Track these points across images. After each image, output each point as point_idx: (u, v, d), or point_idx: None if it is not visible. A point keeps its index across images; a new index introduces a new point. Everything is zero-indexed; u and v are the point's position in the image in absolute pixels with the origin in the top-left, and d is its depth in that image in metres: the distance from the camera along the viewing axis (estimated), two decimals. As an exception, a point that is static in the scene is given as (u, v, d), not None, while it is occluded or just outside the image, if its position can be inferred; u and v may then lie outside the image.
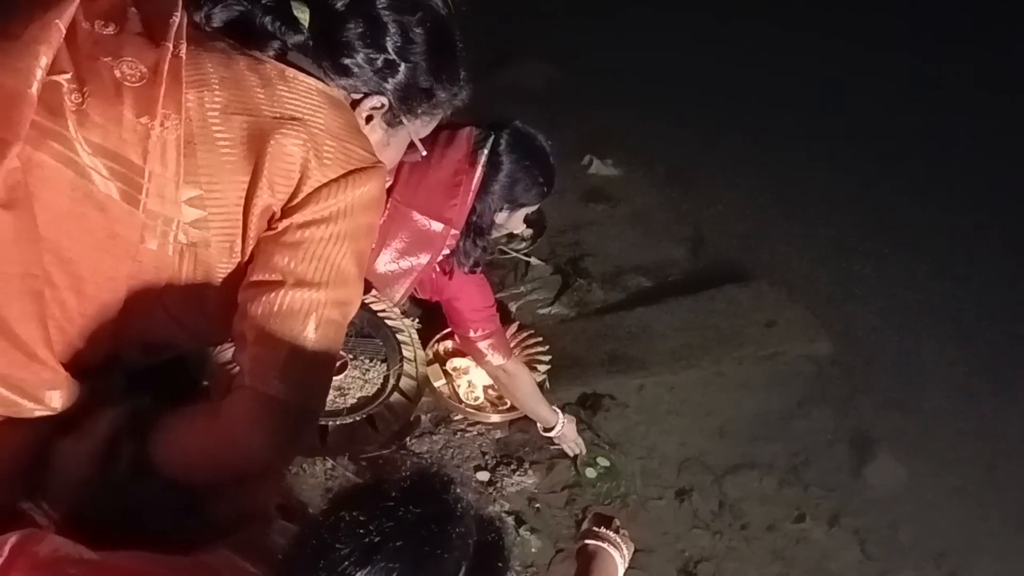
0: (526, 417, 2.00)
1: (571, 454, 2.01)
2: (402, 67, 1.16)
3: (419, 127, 1.24)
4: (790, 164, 2.98)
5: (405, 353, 1.93)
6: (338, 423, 1.76)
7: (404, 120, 1.20)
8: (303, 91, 1.08)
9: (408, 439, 1.95)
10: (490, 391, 2.05)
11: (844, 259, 2.66)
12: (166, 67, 1.01)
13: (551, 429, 1.97)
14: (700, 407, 2.20)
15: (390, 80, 1.16)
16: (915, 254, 2.70)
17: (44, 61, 0.96)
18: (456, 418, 2.03)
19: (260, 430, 1.06)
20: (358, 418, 1.79)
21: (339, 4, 1.12)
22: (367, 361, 1.89)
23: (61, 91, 0.97)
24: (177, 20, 1.05)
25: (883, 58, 3.47)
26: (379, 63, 1.14)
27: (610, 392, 2.16)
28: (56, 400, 1.01)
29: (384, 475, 0.83)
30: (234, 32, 1.08)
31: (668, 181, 2.89)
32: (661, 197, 2.84)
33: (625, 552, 1.40)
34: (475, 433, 2.01)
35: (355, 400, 1.83)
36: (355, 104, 1.17)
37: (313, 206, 1.06)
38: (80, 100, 0.98)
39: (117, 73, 1.00)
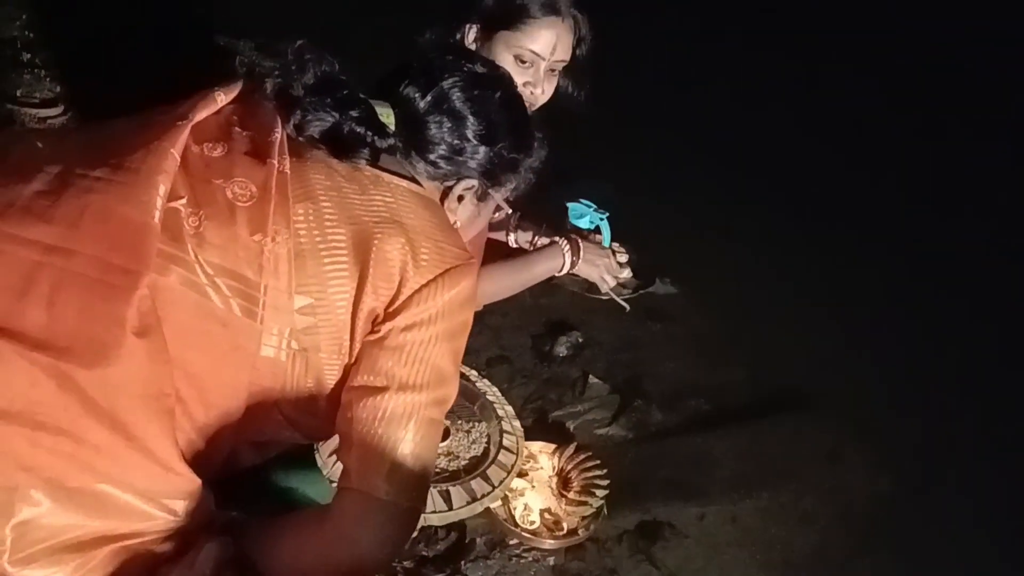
0: (582, 544, 1.96)
1: (609, 285, 2.06)
2: (484, 151, 1.26)
3: (505, 192, 1.36)
4: (860, 291, 2.97)
5: (499, 412, 2.07)
6: (458, 485, 1.85)
7: (492, 192, 1.31)
8: (398, 195, 1.17)
9: (463, 563, 1.91)
10: (546, 515, 2.01)
11: (912, 393, 2.59)
12: (273, 184, 1.09)
13: (563, 269, 1.99)
14: (761, 540, 2.13)
15: (476, 164, 1.26)
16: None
17: (163, 190, 1.04)
18: (511, 542, 1.99)
19: (368, 530, 1.11)
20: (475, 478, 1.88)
21: (421, 103, 1.24)
22: (466, 423, 2.01)
23: (180, 216, 1.05)
24: (278, 136, 1.14)
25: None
26: (466, 152, 1.25)
27: (669, 520, 2.11)
28: (183, 508, 1.05)
29: None
30: (328, 141, 1.17)
31: (728, 302, 2.88)
32: (721, 318, 2.83)
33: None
34: (530, 560, 1.96)
35: (467, 461, 1.95)
36: (447, 190, 1.28)
37: (413, 308, 1.13)
38: (197, 224, 1.05)
39: (229, 194, 1.08)
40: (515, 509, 2.01)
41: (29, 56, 3.11)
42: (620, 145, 3.37)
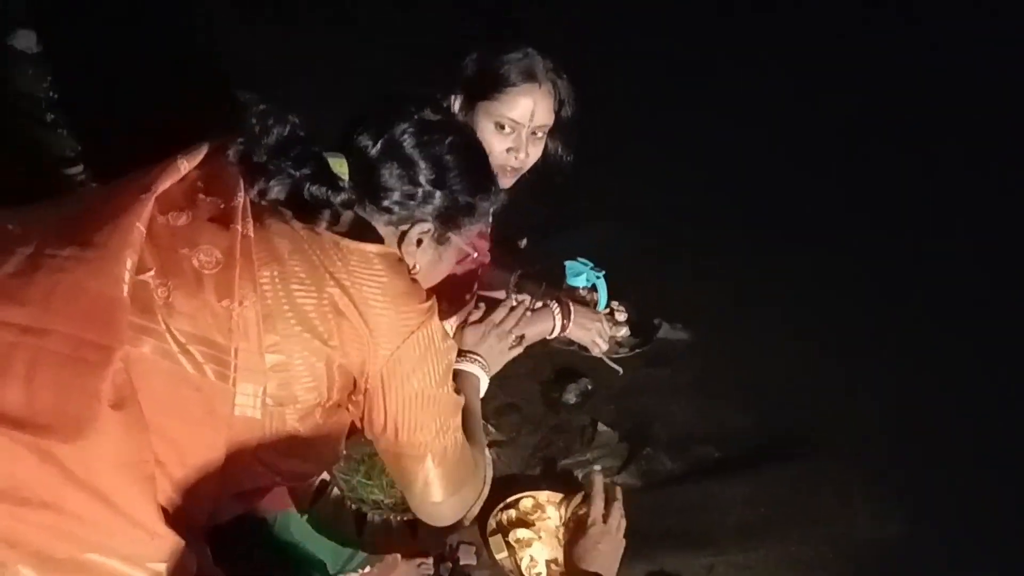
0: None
1: (600, 348, 2.06)
2: (438, 195, 1.32)
3: (465, 236, 1.42)
4: (868, 336, 2.94)
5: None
6: (377, 519, 1.83)
7: (452, 235, 1.37)
8: (356, 262, 1.21)
9: (468, 614, 1.92)
10: (553, 566, 2.02)
11: (921, 437, 2.57)
12: (238, 250, 1.14)
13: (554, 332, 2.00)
14: (772, 591, 2.13)
15: (431, 208, 1.32)
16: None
17: (131, 264, 1.09)
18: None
19: (443, 518, 1.45)
20: (400, 517, 1.88)
21: (372, 151, 1.30)
22: None
23: (149, 288, 1.09)
24: (241, 200, 1.19)
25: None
26: (418, 196, 1.31)
27: (678, 571, 2.11)
28: (167, 571, 1.08)
29: None
30: (290, 204, 1.24)
31: (736, 347, 2.88)
32: (729, 363, 2.82)
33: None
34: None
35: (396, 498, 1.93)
36: (403, 235, 1.34)
37: (394, 382, 1.23)
38: (166, 294, 1.10)
39: (195, 262, 1.13)
40: (521, 560, 2.03)
41: (52, 117, 3.22)
42: (621, 191, 3.40)
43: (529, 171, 1.98)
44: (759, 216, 3.36)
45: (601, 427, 2.48)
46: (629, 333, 2.28)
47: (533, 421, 2.51)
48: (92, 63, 3.37)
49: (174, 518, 1.10)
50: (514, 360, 2.67)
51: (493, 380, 2.58)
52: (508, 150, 1.85)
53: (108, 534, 1.02)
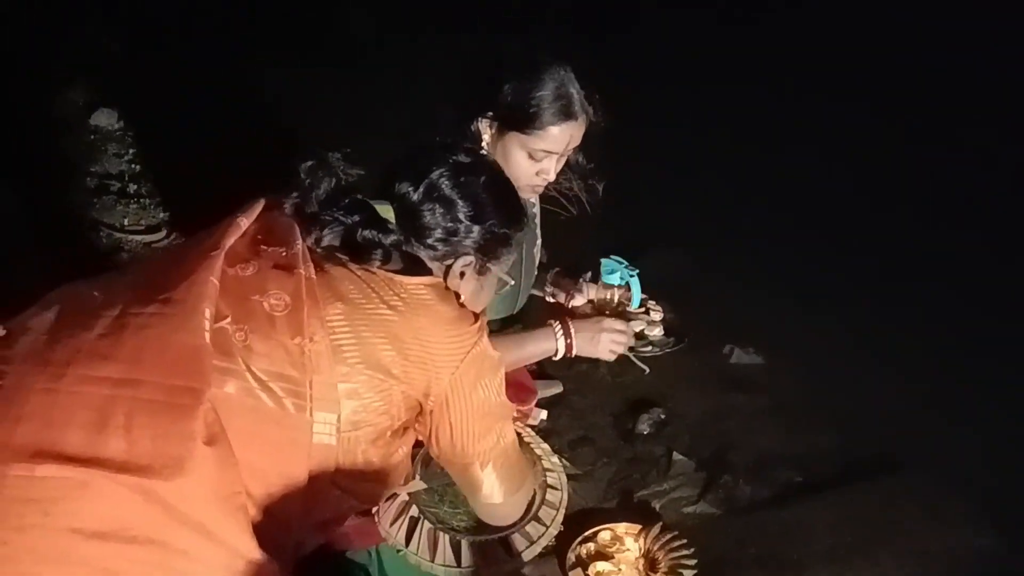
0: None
1: (611, 358, 2.01)
2: (476, 229, 1.43)
3: (503, 266, 1.53)
4: (946, 348, 2.87)
5: (535, 451, 2.02)
6: (473, 540, 1.76)
7: (491, 266, 1.48)
8: (409, 293, 1.32)
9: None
10: (634, 597, 2.01)
11: (1005, 447, 2.48)
12: (304, 291, 1.24)
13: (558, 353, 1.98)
14: (864, 614, 2.07)
15: (471, 242, 1.43)
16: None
17: (209, 313, 1.18)
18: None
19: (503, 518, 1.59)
20: (491, 537, 1.78)
21: (414, 196, 1.42)
22: None
23: (227, 334, 1.19)
24: (300, 247, 1.31)
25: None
26: (460, 232, 1.42)
27: (765, 598, 2.07)
28: None
29: None
30: (345, 248, 1.35)
31: (811, 369, 2.83)
32: (806, 386, 2.78)
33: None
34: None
35: None
36: (448, 269, 1.44)
37: (457, 399, 1.34)
38: (244, 338, 1.19)
39: (266, 306, 1.23)
40: (603, 593, 2.02)
41: (135, 187, 3.41)
42: (688, 216, 3.40)
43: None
44: (831, 236, 3.32)
45: (677, 456, 2.46)
46: (663, 333, 2.25)
47: (608, 453, 2.51)
48: (168, 136, 3.55)
49: (263, 546, 1.16)
50: (585, 393, 2.74)
51: (568, 414, 2.63)
52: (537, 173, 1.88)
53: (210, 566, 1.10)
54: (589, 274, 2.29)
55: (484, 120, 1.88)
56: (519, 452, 1.53)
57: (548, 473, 2.01)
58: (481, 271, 1.46)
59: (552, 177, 1.91)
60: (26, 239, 2.75)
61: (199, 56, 4.00)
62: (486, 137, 1.90)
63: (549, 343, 2.01)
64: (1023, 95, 3.92)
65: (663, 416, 2.62)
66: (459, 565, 1.83)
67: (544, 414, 2.30)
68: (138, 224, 3.23)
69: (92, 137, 3.62)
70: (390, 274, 1.33)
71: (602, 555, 2.09)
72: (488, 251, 1.45)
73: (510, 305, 2.12)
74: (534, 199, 2.11)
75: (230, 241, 1.27)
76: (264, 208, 1.36)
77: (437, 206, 1.40)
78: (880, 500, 2.34)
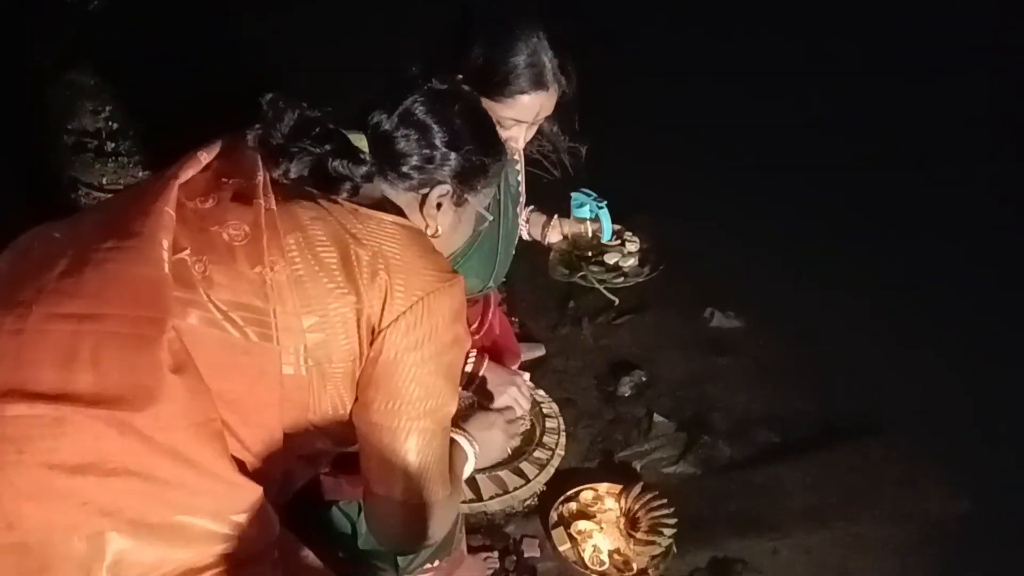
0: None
1: (521, 411, 1.90)
2: (454, 156, 1.37)
3: (482, 198, 1.47)
4: (926, 312, 2.88)
5: (544, 410, 2.18)
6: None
7: (469, 197, 1.42)
8: (375, 225, 1.27)
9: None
10: (615, 556, 2.04)
11: (984, 413, 2.52)
12: (263, 221, 1.21)
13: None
14: (838, 572, 2.11)
15: (447, 170, 1.37)
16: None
17: (167, 244, 1.16)
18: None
19: (394, 527, 1.30)
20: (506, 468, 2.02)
21: (386, 124, 1.36)
22: None
23: (187, 265, 1.17)
24: (261, 178, 1.26)
25: None
26: (435, 159, 1.36)
27: (742, 556, 2.10)
28: (249, 520, 1.15)
29: None
30: (309, 179, 1.29)
31: (793, 331, 2.85)
32: (786, 348, 2.80)
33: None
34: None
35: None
36: (424, 199, 1.39)
37: (399, 334, 1.24)
38: (203, 269, 1.17)
39: (225, 236, 1.20)
40: (584, 551, 2.04)
41: (113, 146, 3.35)
42: (667, 182, 3.38)
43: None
44: (811, 198, 3.32)
45: (657, 418, 2.48)
46: (637, 263, 2.26)
47: (590, 415, 2.52)
48: (143, 93, 3.49)
49: (245, 474, 1.17)
50: (567, 355, 2.75)
51: (551, 376, 2.64)
52: (506, 140, 1.85)
53: (192, 493, 1.10)
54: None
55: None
56: (447, 458, 1.33)
57: (547, 419, 2.16)
58: (459, 202, 1.41)
59: (520, 145, 1.88)
60: (13, 197, 2.72)
61: (176, 7, 3.91)
62: None
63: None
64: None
65: (644, 378, 2.64)
66: (481, 499, 1.97)
67: (527, 376, 2.31)
68: (117, 183, 3.18)
69: (68, 93, 3.55)
70: (355, 205, 1.28)
71: (584, 514, 2.12)
72: (466, 180, 1.39)
73: (487, 274, 2.10)
74: (519, 164, 2.09)
75: (188, 173, 1.25)
76: (229, 144, 1.33)
77: (412, 132, 1.35)
78: (858, 462, 2.38)
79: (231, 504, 1.13)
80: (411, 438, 1.26)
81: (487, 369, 1.99)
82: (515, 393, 2.00)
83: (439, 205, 1.39)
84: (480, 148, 1.39)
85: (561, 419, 2.26)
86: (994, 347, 2.68)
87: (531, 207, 2.33)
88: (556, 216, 2.31)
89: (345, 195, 1.29)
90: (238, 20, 4.07)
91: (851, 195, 3.35)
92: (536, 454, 2.12)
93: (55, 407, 1.05)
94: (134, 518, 1.06)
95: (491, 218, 1.59)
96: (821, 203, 3.28)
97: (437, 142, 1.35)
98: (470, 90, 1.51)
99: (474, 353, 1.98)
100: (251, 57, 3.74)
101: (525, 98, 1.77)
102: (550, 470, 2.11)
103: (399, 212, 1.36)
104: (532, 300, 2.93)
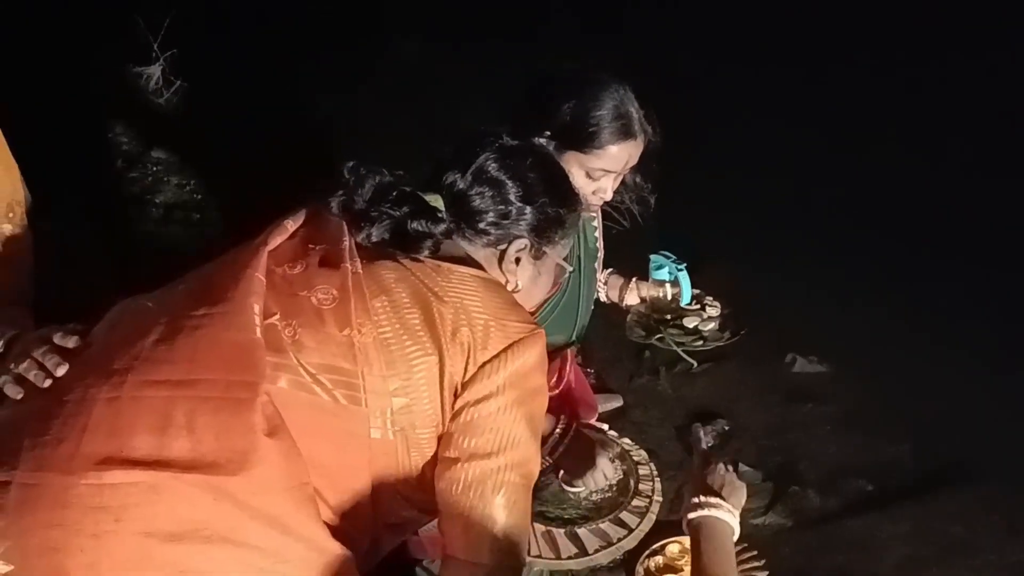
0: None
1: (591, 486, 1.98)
2: (529, 210, 1.40)
3: (560, 250, 1.48)
4: (1016, 347, 2.76)
5: (634, 457, 2.20)
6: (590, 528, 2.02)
7: (547, 250, 1.43)
8: (457, 280, 1.29)
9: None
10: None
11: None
12: (351, 284, 1.24)
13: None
14: (939, 626, 2.00)
15: (524, 224, 1.39)
16: None
17: (257, 309, 1.20)
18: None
19: None
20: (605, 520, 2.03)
21: (461, 183, 1.39)
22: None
23: (277, 330, 1.20)
24: (347, 243, 1.31)
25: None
26: (511, 214, 1.39)
27: (839, 611, 2.02)
28: None
29: None
30: (394, 240, 1.33)
31: (880, 376, 2.76)
32: (874, 393, 2.71)
33: (734, 505, 1.57)
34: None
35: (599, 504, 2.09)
36: (502, 255, 1.41)
37: (481, 383, 1.25)
38: (293, 333, 1.20)
39: (314, 301, 1.23)
40: (672, 607, 1.99)
41: (199, 216, 3.49)
42: (748, 228, 3.34)
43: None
44: (893, 238, 3.24)
45: (742, 467, 2.41)
46: (716, 327, 2.25)
47: (672, 467, 2.46)
48: (224, 162, 3.64)
49: (336, 540, 1.17)
50: (646, 407, 2.71)
51: (630, 428, 2.61)
52: (595, 192, 1.87)
53: (285, 560, 1.10)
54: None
55: (541, 139, 1.88)
56: (524, 508, 1.28)
57: (643, 480, 2.15)
58: (537, 255, 1.43)
59: (608, 196, 1.91)
60: (102, 272, 2.83)
61: (248, 85, 4.07)
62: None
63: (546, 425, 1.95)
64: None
65: (727, 428, 2.58)
66: (587, 553, 1.98)
67: (606, 428, 2.29)
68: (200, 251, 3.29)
69: (155, 169, 3.72)
70: (438, 261, 1.31)
71: (671, 568, 2.06)
72: (542, 233, 1.41)
73: (569, 330, 2.10)
74: (595, 220, 2.11)
75: (276, 241, 1.30)
76: (314, 212, 1.37)
77: (486, 189, 1.38)
78: (957, 512, 2.27)
79: (322, 571, 1.13)
80: (497, 494, 1.23)
81: (572, 438, 1.98)
82: (604, 465, 1.99)
83: (518, 260, 1.41)
84: (555, 200, 1.42)
85: (652, 465, 2.23)
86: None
87: (610, 269, 2.34)
88: (635, 279, 2.33)
89: (427, 253, 1.32)
90: (311, 95, 4.22)
91: (939, 234, 3.26)
92: (635, 503, 2.11)
93: (151, 474, 1.06)
94: None
95: (571, 268, 1.62)
96: (906, 242, 3.20)
97: (512, 197, 1.38)
98: (541, 143, 1.53)
99: (563, 419, 1.97)
100: (323, 128, 3.88)
101: (614, 148, 1.81)
102: (651, 517, 2.10)
103: (480, 268, 1.37)
104: (608, 352, 2.90)
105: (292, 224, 1.35)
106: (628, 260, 2.29)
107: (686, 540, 2.10)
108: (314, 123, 3.91)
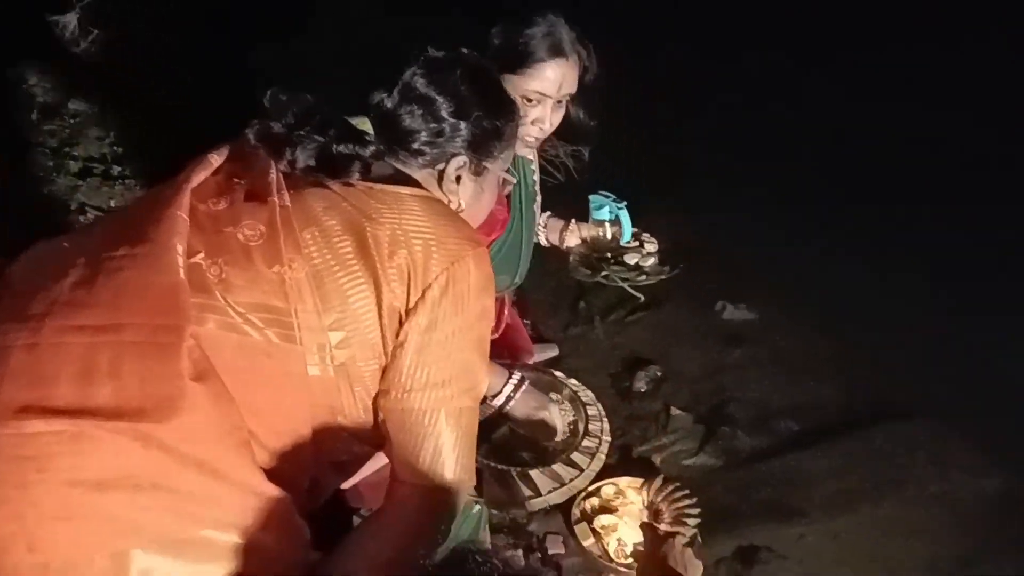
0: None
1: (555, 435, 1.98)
2: (463, 126, 1.32)
3: (501, 164, 1.40)
4: (942, 291, 2.86)
5: (583, 398, 2.18)
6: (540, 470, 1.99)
7: (487, 164, 1.36)
8: (392, 200, 1.23)
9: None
10: (640, 548, 2.00)
11: (1011, 390, 2.46)
12: (279, 219, 1.18)
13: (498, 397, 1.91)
14: (867, 556, 2.06)
15: (460, 140, 1.32)
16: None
17: (180, 249, 1.13)
18: (608, 577, 1.99)
19: (428, 514, 1.23)
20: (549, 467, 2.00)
21: (388, 102, 1.32)
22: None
23: (202, 270, 1.14)
24: (274, 176, 1.23)
25: None
26: (445, 131, 1.31)
27: (768, 544, 2.06)
28: (278, 533, 1.11)
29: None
30: (320, 165, 1.25)
31: (807, 321, 2.83)
32: (802, 338, 2.78)
33: None
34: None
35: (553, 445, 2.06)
36: (441, 175, 1.34)
37: (426, 309, 1.20)
38: (220, 272, 1.14)
39: (241, 237, 1.17)
40: (608, 545, 2.01)
41: (120, 169, 3.37)
42: (679, 177, 3.37)
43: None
44: (816, 185, 3.30)
45: (675, 411, 2.45)
46: (656, 261, 2.28)
47: (606, 412, 2.47)
48: (146, 117, 3.51)
49: (274, 483, 1.13)
50: (581, 354, 2.73)
51: (566, 376, 2.62)
52: (533, 122, 1.84)
53: (219, 506, 1.06)
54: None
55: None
56: (472, 431, 1.27)
57: (592, 421, 2.14)
58: (477, 171, 1.36)
59: (548, 127, 1.87)
60: (22, 225, 2.72)
61: (171, 32, 3.93)
62: None
63: (495, 380, 1.93)
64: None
65: (659, 374, 2.61)
66: (540, 494, 1.95)
67: (557, 374, 2.29)
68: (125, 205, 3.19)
69: (72, 121, 3.57)
70: (369, 184, 1.24)
71: (606, 509, 2.08)
72: (481, 148, 1.34)
73: (513, 271, 2.09)
74: (533, 163, 2.08)
75: (199, 177, 1.23)
76: (237, 147, 1.30)
77: (415, 107, 1.30)
78: (883, 446, 2.34)
79: (260, 516, 1.09)
80: (451, 420, 1.21)
81: (524, 392, 1.98)
82: (555, 418, 2.00)
83: (458, 178, 1.34)
84: (490, 112, 1.33)
85: (601, 406, 2.24)
86: (1017, 324, 2.65)
87: (547, 213, 2.33)
88: (573, 220, 2.31)
89: (357, 176, 1.26)
90: (239, 43, 4.09)
91: (865, 181, 3.33)
92: (585, 443, 2.11)
93: (74, 422, 1.01)
94: (159, 534, 1.02)
95: (516, 179, 1.55)
96: (829, 189, 3.26)
97: (444, 113, 1.30)
98: (469, 52, 1.45)
99: (516, 376, 1.96)
100: (254, 76, 3.76)
101: (547, 68, 1.78)
102: (601, 458, 2.10)
103: (418, 187, 1.31)
104: (543, 302, 2.92)
105: (216, 159, 1.28)
106: (565, 204, 2.27)
107: (621, 481, 2.14)
108: (244, 72, 3.79)
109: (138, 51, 3.86)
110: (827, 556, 2.06)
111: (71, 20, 3.87)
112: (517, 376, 1.95)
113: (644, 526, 2.02)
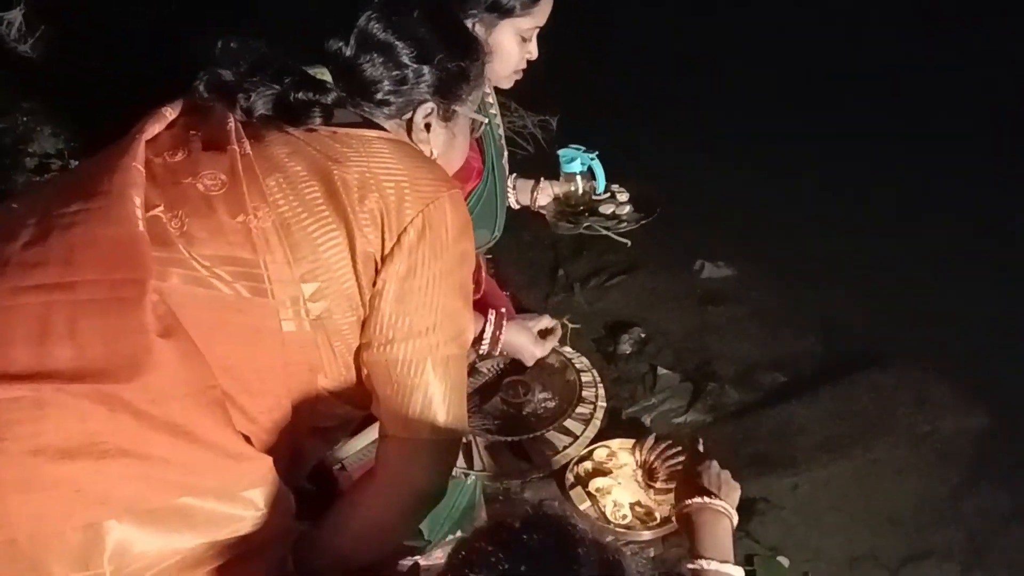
0: (678, 530, 1.94)
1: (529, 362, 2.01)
2: (427, 70, 1.25)
3: (470, 106, 1.34)
4: (920, 239, 2.87)
5: (577, 365, 2.22)
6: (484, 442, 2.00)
7: (457, 108, 1.30)
8: (358, 143, 1.17)
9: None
10: (637, 508, 2.00)
11: (992, 327, 2.50)
12: (240, 166, 1.12)
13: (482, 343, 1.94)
14: (860, 499, 2.08)
15: (425, 86, 1.25)
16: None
17: (138, 201, 1.07)
18: (607, 539, 1.97)
19: (420, 468, 1.18)
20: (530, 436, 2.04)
21: (347, 51, 1.24)
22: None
23: (162, 223, 1.07)
24: (232, 124, 1.17)
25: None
26: (409, 79, 1.24)
27: (763, 495, 2.07)
28: (262, 497, 1.06)
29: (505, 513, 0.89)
30: (279, 113, 1.19)
31: (786, 274, 2.83)
32: (782, 291, 2.78)
33: (730, 503, 1.60)
34: (628, 554, 1.94)
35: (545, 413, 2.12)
36: (410, 124, 1.27)
37: (403, 255, 1.13)
38: (180, 224, 1.08)
39: (201, 187, 1.10)
40: (605, 507, 2.00)
41: (77, 164, 3.29)
42: (652, 125, 3.34)
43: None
44: (792, 140, 3.30)
45: (661, 371, 2.45)
46: (632, 208, 2.29)
47: (594, 377, 2.48)
48: (100, 107, 3.42)
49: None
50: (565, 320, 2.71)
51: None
52: (526, 56, 1.82)
53: (195, 471, 1.01)
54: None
55: (473, 23, 1.76)
56: (464, 384, 1.24)
57: (585, 387, 2.18)
58: (447, 116, 1.30)
59: (535, 54, 1.84)
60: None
61: (119, 24, 3.82)
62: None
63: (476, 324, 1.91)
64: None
65: (643, 335, 2.60)
66: (532, 462, 1.99)
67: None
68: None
69: (25, 119, 3.48)
70: (333, 128, 1.18)
71: (600, 471, 2.08)
72: (448, 92, 1.27)
73: (491, 223, 2.06)
74: (497, 117, 2.05)
75: (154, 129, 1.17)
76: (192, 101, 1.24)
77: (375, 55, 1.22)
78: (868, 392, 2.36)
79: (238, 480, 1.03)
80: (439, 369, 1.15)
81: (504, 331, 1.98)
82: (523, 351, 2.01)
83: (428, 126, 1.28)
84: (454, 53, 1.27)
85: (595, 372, 2.26)
86: (994, 263, 2.68)
87: (514, 174, 2.30)
88: (542, 179, 2.29)
89: (319, 121, 1.18)
90: (188, 32, 3.99)
91: (840, 132, 3.34)
92: (579, 410, 2.13)
93: (33, 387, 0.95)
94: (132, 504, 0.96)
95: (486, 121, 1.50)
96: (804, 142, 3.26)
97: (405, 59, 1.23)
98: None
99: (492, 313, 1.95)
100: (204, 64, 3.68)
101: (545, 3, 1.75)
102: (596, 424, 2.12)
103: (383, 130, 1.24)
104: (521, 273, 2.89)
105: (171, 112, 1.21)
106: (530, 167, 2.26)
107: (612, 443, 2.14)
108: (193, 61, 3.70)
109: (86, 45, 3.75)
110: (821, 503, 2.07)
111: (16, 17, 3.75)
112: (493, 313, 1.94)
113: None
